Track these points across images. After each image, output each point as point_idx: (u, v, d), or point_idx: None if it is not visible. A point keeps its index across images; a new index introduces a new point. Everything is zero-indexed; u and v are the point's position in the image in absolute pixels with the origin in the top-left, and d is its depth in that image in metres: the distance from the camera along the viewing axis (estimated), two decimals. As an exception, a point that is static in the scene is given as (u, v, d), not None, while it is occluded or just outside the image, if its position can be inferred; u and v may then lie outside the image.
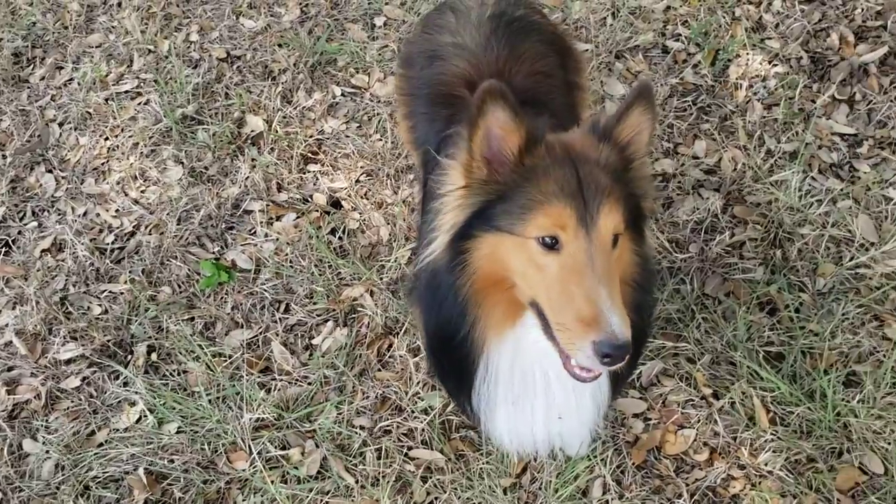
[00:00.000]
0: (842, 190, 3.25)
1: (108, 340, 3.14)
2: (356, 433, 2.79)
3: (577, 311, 1.61)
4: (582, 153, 1.76)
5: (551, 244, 1.66)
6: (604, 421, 2.74)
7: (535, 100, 2.40)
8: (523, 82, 2.44)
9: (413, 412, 2.83)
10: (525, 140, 1.71)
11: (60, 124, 3.96)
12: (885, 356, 2.79)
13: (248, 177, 3.56)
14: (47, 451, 2.88)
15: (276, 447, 2.79)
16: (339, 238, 3.33)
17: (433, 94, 2.53)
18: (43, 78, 4.18)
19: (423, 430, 2.78)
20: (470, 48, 2.54)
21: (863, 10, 3.84)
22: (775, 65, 3.71)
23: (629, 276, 1.84)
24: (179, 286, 3.29)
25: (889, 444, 2.61)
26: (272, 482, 2.69)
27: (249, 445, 2.79)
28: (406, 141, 2.98)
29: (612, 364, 1.59)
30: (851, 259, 3.05)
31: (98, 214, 3.57)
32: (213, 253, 3.37)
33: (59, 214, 3.61)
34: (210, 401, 2.91)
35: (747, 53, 3.74)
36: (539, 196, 1.67)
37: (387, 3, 4.21)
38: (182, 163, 3.67)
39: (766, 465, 2.62)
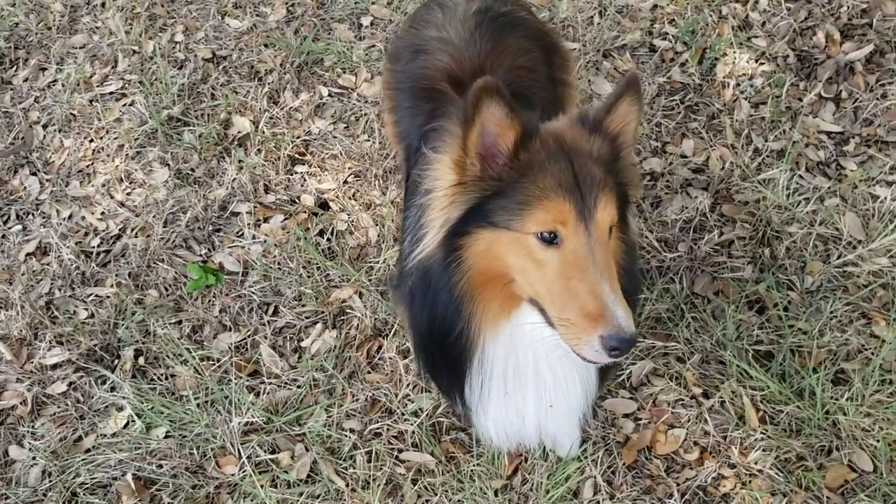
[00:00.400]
0: (829, 188, 3.26)
1: (95, 345, 3.11)
2: (346, 436, 2.78)
3: (582, 306, 1.62)
4: (574, 146, 1.77)
5: (550, 239, 1.67)
6: (594, 421, 2.74)
7: (516, 94, 2.40)
8: (505, 77, 2.43)
9: (403, 414, 2.82)
10: (520, 135, 1.71)
11: (44, 126, 3.92)
12: (873, 354, 2.80)
13: (234, 178, 3.53)
14: (34, 458, 2.85)
15: (265, 451, 2.77)
16: (328, 240, 3.31)
17: (416, 89, 2.54)
18: (26, 79, 4.14)
19: (413, 432, 2.76)
20: (454, 42, 2.54)
21: (848, 8, 3.85)
22: (762, 63, 3.72)
23: (617, 262, 1.85)
24: (166, 289, 3.26)
25: (878, 441, 2.62)
26: (262, 486, 2.67)
27: (238, 450, 2.77)
28: (391, 136, 2.99)
29: (620, 356, 1.62)
30: (839, 257, 3.06)
31: (83, 217, 3.53)
32: (201, 255, 3.34)
33: (43, 217, 3.57)
34: (198, 405, 2.89)
35: (734, 52, 3.75)
36: (537, 191, 1.68)
37: (373, 3, 4.19)
38: (168, 164, 3.64)
39: (756, 463, 2.63)
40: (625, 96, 1.80)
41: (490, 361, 1.93)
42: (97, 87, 4.02)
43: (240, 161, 3.60)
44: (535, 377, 2.00)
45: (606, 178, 1.72)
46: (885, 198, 3.17)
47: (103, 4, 4.43)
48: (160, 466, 2.79)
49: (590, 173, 1.70)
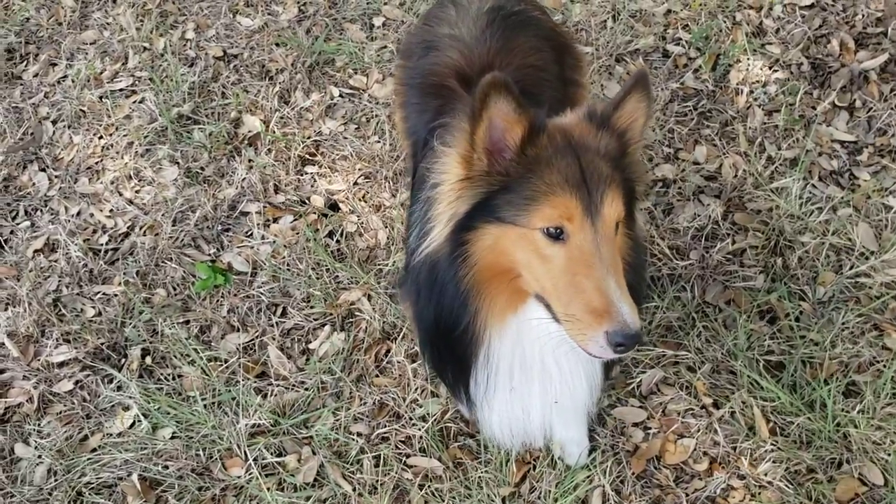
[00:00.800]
0: (842, 198, 3.24)
1: (102, 343, 3.10)
2: (353, 440, 2.77)
3: (587, 302, 1.63)
4: (581, 141, 1.77)
5: (557, 235, 1.68)
6: (603, 429, 2.73)
7: (524, 92, 2.40)
8: (513, 74, 2.43)
9: (411, 419, 2.80)
10: (527, 130, 1.71)
11: (54, 122, 3.91)
12: (885, 366, 2.78)
13: (244, 178, 3.52)
14: (39, 456, 2.84)
15: (272, 454, 2.76)
16: (337, 241, 3.30)
17: (425, 85, 2.54)
18: (36, 75, 4.13)
19: (420, 437, 2.75)
20: (465, 40, 2.54)
21: (863, 16, 3.83)
22: (776, 70, 3.69)
23: (623, 257, 1.85)
24: (174, 288, 3.25)
25: (889, 454, 2.60)
26: (268, 489, 2.66)
27: (245, 452, 2.76)
28: (400, 131, 3.00)
29: (625, 352, 1.63)
30: (851, 268, 3.04)
31: (92, 214, 3.52)
32: (209, 255, 3.33)
33: (52, 214, 3.56)
34: (205, 406, 2.87)
35: (748, 59, 3.73)
36: (544, 187, 1.68)
37: (386, 3, 4.17)
38: (178, 163, 3.63)
39: (765, 475, 2.61)
40: (633, 93, 1.81)
41: (496, 356, 1.94)
42: (107, 83, 4.01)
43: (250, 160, 3.58)
44: (540, 372, 2.00)
45: (613, 174, 1.72)
46: (899, 209, 3.16)
47: (114, 0, 4.42)
48: (166, 467, 2.77)
49: (597, 169, 1.70)
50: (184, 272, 3.27)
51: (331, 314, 3.09)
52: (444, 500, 2.61)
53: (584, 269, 1.64)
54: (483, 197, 1.73)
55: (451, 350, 1.97)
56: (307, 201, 3.44)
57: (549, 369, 1.99)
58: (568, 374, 2.01)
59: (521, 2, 2.73)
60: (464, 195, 1.76)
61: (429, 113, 2.45)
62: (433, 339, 2.03)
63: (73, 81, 4.04)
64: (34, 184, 3.68)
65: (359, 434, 2.79)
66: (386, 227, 3.32)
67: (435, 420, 2.77)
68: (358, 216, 3.36)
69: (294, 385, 2.93)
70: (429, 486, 2.65)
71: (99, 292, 3.27)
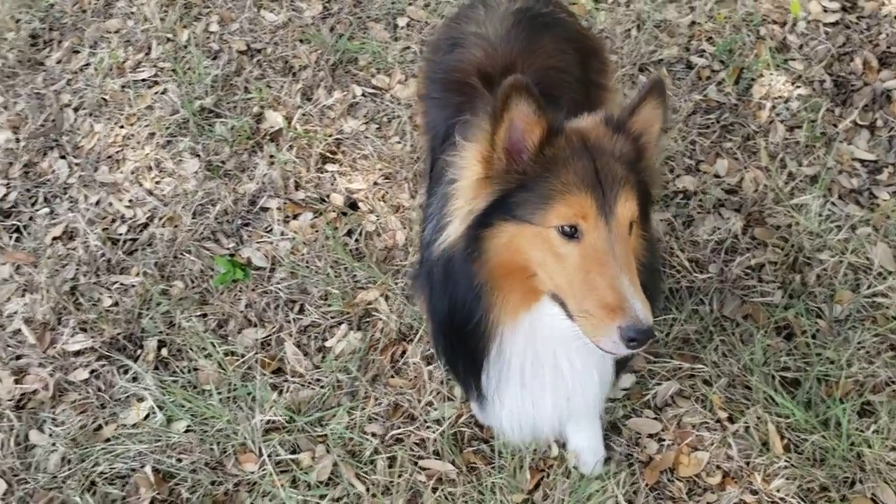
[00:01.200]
0: (861, 217, 3.24)
1: (118, 333, 3.10)
2: (368, 440, 2.77)
3: (601, 298, 1.65)
4: (597, 144, 1.80)
5: (571, 233, 1.70)
6: (619, 438, 2.73)
7: (543, 93, 2.41)
8: (534, 75, 2.44)
9: (426, 421, 2.81)
10: (546, 132, 1.74)
11: (75, 109, 3.92)
12: (900, 387, 2.78)
13: (265, 173, 3.52)
14: (54, 444, 2.85)
15: (286, 450, 2.76)
16: (356, 240, 3.30)
17: (447, 81, 2.56)
18: (59, 61, 4.13)
19: (435, 440, 2.75)
20: (490, 39, 2.56)
21: (887, 35, 3.83)
22: (798, 86, 3.70)
23: (637, 257, 1.87)
24: (192, 281, 3.25)
25: (902, 476, 2.60)
26: (282, 486, 2.66)
27: (259, 448, 2.76)
28: (419, 125, 3.03)
29: (638, 347, 1.65)
30: (869, 287, 3.04)
31: (111, 204, 3.53)
32: (228, 249, 3.33)
33: (71, 202, 3.57)
34: (220, 400, 2.88)
35: (771, 73, 3.73)
36: (559, 186, 1.71)
37: (410, 4, 4.17)
38: (199, 155, 3.64)
39: (778, 491, 2.61)
40: (649, 98, 1.84)
41: (508, 352, 1.96)
42: (130, 73, 4.02)
43: (271, 156, 3.59)
44: (552, 368, 2.02)
45: (628, 175, 1.75)
46: (919, 230, 3.16)
47: (138, -10, 4.43)
48: (180, 460, 2.78)
49: (611, 170, 1.74)
50: (202, 265, 3.28)
51: (348, 313, 3.10)
52: (456, 504, 2.62)
53: (597, 267, 1.67)
54: (500, 195, 1.76)
55: (464, 343, 1.99)
56: (327, 199, 3.45)
57: (560, 366, 2.01)
58: (580, 371, 2.03)
59: (549, 4, 2.75)
60: (482, 193, 1.79)
61: (449, 109, 2.47)
62: (446, 331, 2.06)
63: (95, 69, 4.05)
64: (54, 171, 3.69)
65: (373, 434, 2.79)
66: (404, 227, 3.32)
67: (450, 423, 2.78)
68: (377, 216, 3.37)
69: (310, 382, 2.94)
70: (442, 490, 2.65)
71: (116, 282, 3.27)
